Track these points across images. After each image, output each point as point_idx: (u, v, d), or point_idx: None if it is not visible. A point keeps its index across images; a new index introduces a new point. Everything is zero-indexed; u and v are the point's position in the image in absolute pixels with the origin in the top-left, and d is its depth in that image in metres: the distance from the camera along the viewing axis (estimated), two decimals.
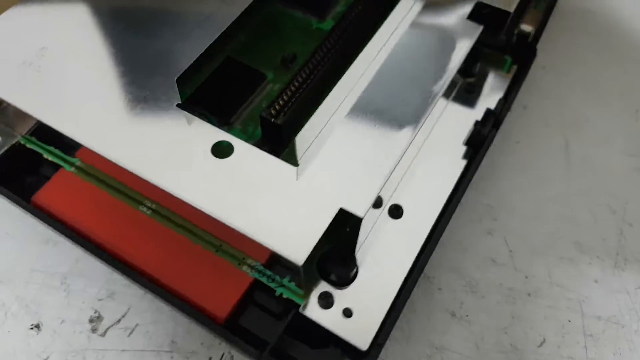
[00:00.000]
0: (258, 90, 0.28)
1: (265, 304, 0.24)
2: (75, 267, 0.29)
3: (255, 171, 0.22)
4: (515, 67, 0.32)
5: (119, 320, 0.27)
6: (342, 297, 0.23)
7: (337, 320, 0.23)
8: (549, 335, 0.27)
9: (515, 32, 0.32)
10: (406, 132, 0.23)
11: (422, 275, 0.28)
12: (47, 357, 0.26)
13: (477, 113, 0.30)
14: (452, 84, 0.30)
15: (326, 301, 0.23)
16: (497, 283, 0.28)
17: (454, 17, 0.27)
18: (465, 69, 0.31)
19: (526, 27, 0.33)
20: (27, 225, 0.30)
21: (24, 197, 0.26)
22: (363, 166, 0.22)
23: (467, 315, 0.27)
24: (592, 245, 0.30)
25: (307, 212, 0.21)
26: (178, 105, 0.24)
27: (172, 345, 0.27)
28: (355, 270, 0.24)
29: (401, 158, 0.23)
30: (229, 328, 0.23)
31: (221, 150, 0.23)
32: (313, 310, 0.23)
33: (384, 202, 0.26)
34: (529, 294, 0.28)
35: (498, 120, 0.30)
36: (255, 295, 0.24)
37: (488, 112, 0.29)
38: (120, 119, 0.23)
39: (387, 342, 0.26)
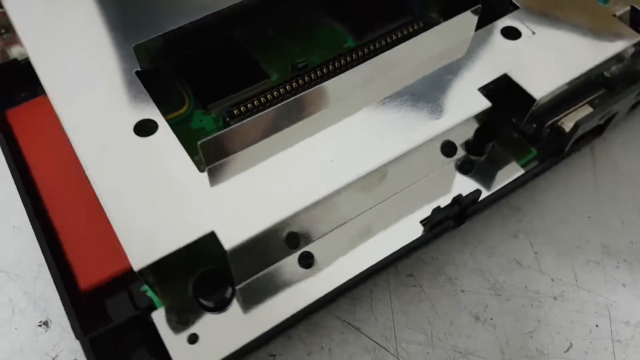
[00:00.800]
0: (254, 87, 0.27)
1: (131, 295, 0.23)
2: None
3: (162, 160, 0.21)
4: (536, 163, 0.27)
5: None
6: (200, 322, 0.22)
7: (177, 339, 0.21)
8: (576, 340, 0.26)
9: (548, 124, 0.26)
10: (337, 181, 0.21)
11: (445, 276, 0.28)
12: (56, 355, 0.25)
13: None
14: (447, 151, 0.26)
15: (183, 318, 0.22)
16: (522, 286, 0.27)
17: (470, 84, 0.24)
18: (475, 144, 0.26)
19: (567, 124, 0.26)
20: None
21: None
22: (270, 199, 0.21)
23: (491, 319, 0.27)
24: (619, 248, 0.29)
25: (180, 223, 0.20)
26: (137, 73, 0.24)
27: None
28: (224, 300, 0.22)
29: (314, 203, 0.21)
30: (81, 300, 0.22)
31: (143, 128, 0.22)
32: (161, 320, 0.22)
33: (300, 246, 0.24)
34: (555, 298, 0.27)
35: (463, 216, 0.25)
36: (130, 286, 0.23)
37: (455, 201, 0.24)
38: (84, 68, 0.24)
39: (410, 345, 0.25)
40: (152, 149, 0.22)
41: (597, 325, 0.26)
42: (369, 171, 0.22)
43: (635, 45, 0.27)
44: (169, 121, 0.23)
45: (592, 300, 0.27)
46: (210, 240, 0.20)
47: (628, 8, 0.28)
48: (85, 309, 0.22)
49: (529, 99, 0.24)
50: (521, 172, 0.27)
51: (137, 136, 0.22)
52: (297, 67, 0.29)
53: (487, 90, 0.24)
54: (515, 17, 0.27)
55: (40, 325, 0.26)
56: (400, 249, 0.24)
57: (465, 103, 0.24)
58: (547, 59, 0.26)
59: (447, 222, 0.25)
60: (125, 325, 0.22)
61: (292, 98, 0.22)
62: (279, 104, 0.22)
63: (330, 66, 0.29)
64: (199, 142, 0.20)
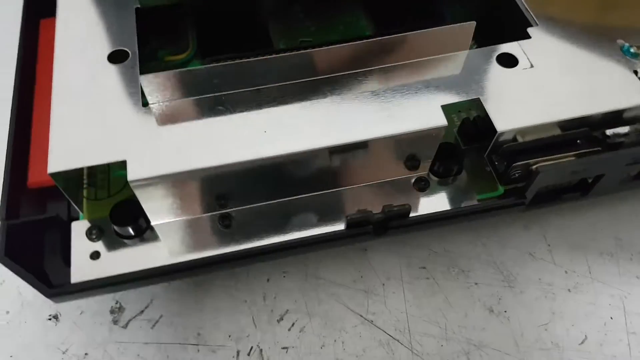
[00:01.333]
0: (255, 53, 0.27)
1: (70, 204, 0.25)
2: None
3: (116, 86, 0.23)
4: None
5: (141, 311, 0.26)
6: (109, 244, 0.24)
7: (82, 251, 0.23)
8: (590, 332, 0.26)
9: (518, 164, 0.24)
10: (262, 151, 0.22)
11: (457, 269, 0.27)
12: (67, 350, 0.25)
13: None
14: (411, 165, 0.25)
15: (94, 235, 0.24)
16: (535, 278, 0.27)
17: (437, 98, 0.23)
18: (437, 165, 0.25)
19: (539, 166, 0.24)
20: None
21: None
22: (192, 149, 0.22)
23: (505, 311, 0.26)
24: (633, 240, 0.28)
25: (103, 144, 0.22)
26: (136, 10, 0.26)
27: (198, 338, 0.25)
28: (135, 230, 0.24)
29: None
30: (25, 192, 0.24)
31: (117, 56, 0.24)
32: (77, 231, 0.24)
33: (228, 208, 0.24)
34: (569, 290, 0.27)
35: (384, 227, 0.24)
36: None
37: (382, 209, 0.23)
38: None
39: (424, 338, 0.25)
40: (113, 75, 0.24)
41: (611, 318, 0.26)
42: (297, 151, 0.22)
43: None
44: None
45: (607, 292, 0.27)
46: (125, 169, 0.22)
47: None
48: (22, 201, 0.24)
49: (493, 129, 0.23)
50: (472, 203, 0.25)
51: (107, 62, 0.24)
52: (302, 44, 0.29)
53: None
54: (521, 46, 0.25)
55: (50, 319, 0.26)
56: (316, 237, 0.24)
57: (423, 115, 0.23)
58: (533, 95, 0.24)
59: (367, 227, 0.24)
60: (47, 224, 0.24)
61: (257, 58, 0.23)
62: (237, 61, 0.23)
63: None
64: (141, 75, 0.22)
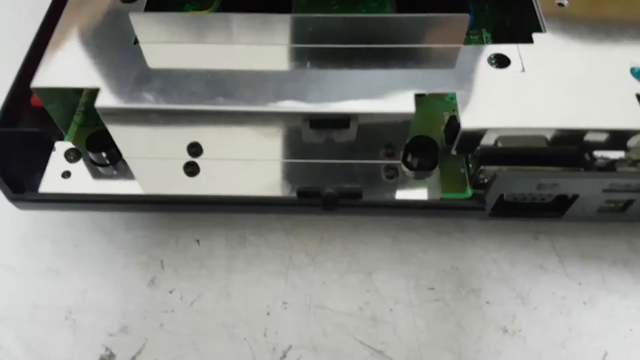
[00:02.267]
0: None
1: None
2: (83, 299, 0.26)
3: (118, 20, 0.25)
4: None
5: (134, 357, 0.24)
6: (81, 167, 0.25)
7: (56, 169, 0.25)
8: (610, 347, 0.25)
9: (484, 169, 0.23)
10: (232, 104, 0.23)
11: (468, 288, 0.26)
12: None
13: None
14: (387, 152, 0.25)
15: (71, 156, 0.26)
16: (549, 292, 0.26)
17: (413, 86, 0.23)
18: (412, 159, 0.25)
19: (498, 171, 0.22)
20: (27, 254, 0.27)
21: None
22: (167, 91, 0.23)
23: (520, 330, 0.25)
24: None
25: (85, 69, 0.23)
26: None
27: None
28: (107, 158, 0.25)
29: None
30: (26, 105, 0.26)
31: None
32: (58, 150, 0.26)
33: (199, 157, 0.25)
34: (584, 303, 0.26)
35: (334, 204, 0.24)
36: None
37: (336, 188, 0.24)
38: None
39: None
40: (120, 13, 0.25)
41: (631, 330, 0.25)
42: (269, 111, 0.23)
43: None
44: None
45: (623, 304, 0.26)
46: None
47: None
48: (23, 114, 0.26)
49: (458, 125, 0.22)
50: (434, 200, 0.24)
51: (120, 1, 0.26)
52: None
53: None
54: (519, 49, 0.24)
55: None
56: (270, 199, 0.24)
57: (393, 100, 0.22)
58: (512, 99, 0.23)
59: (315, 199, 0.24)
60: (33, 139, 0.25)
61: (248, 14, 0.23)
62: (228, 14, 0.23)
63: None
64: (130, 13, 0.24)
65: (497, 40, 0.28)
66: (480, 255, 0.27)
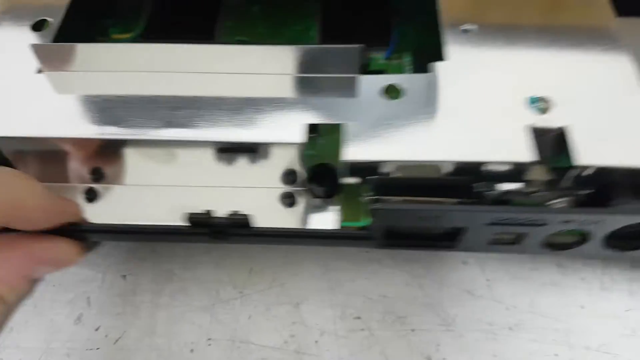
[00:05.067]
0: (194, 42, 0.26)
1: None
2: (9, 337, 0.26)
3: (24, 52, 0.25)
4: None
5: None
6: None
7: None
8: None
9: (374, 198, 0.22)
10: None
11: (394, 316, 0.26)
12: None
13: None
14: (286, 179, 0.24)
15: None
16: (475, 318, 0.26)
17: (304, 116, 0.23)
18: (311, 186, 0.24)
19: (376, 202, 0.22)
20: None
21: None
22: (65, 119, 0.23)
23: (444, 359, 0.25)
24: (576, 265, 0.27)
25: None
26: None
27: None
28: None
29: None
30: None
31: (39, 25, 0.27)
32: None
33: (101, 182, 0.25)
34: (510, 328, 0.26)
35: (222, 233, 0.23)
36: None
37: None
38: None
39: None
40: (28, 41, 0.25)
41: (556, 355, 0.25)
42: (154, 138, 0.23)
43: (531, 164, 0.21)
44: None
45: (550, 327, 0.26)
46: None
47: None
48: None
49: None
50: (324, 229, 0.23)
51: (29, 30, 0.26)
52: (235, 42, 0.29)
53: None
54: (415, 79, 0.24)
55: None
56: (158, 228, 0.23)
57: (283, 130, 0.23)
58: (402, 130, 0.22)
59: (202, 229, 0.23)
60: None
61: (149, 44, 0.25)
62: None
63: None
64: (31, 43, 0.24)
65: (419, 63, 0.27)
66: (408, 280, 0.27)
